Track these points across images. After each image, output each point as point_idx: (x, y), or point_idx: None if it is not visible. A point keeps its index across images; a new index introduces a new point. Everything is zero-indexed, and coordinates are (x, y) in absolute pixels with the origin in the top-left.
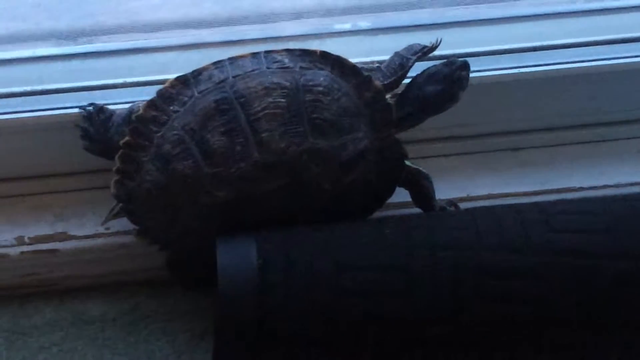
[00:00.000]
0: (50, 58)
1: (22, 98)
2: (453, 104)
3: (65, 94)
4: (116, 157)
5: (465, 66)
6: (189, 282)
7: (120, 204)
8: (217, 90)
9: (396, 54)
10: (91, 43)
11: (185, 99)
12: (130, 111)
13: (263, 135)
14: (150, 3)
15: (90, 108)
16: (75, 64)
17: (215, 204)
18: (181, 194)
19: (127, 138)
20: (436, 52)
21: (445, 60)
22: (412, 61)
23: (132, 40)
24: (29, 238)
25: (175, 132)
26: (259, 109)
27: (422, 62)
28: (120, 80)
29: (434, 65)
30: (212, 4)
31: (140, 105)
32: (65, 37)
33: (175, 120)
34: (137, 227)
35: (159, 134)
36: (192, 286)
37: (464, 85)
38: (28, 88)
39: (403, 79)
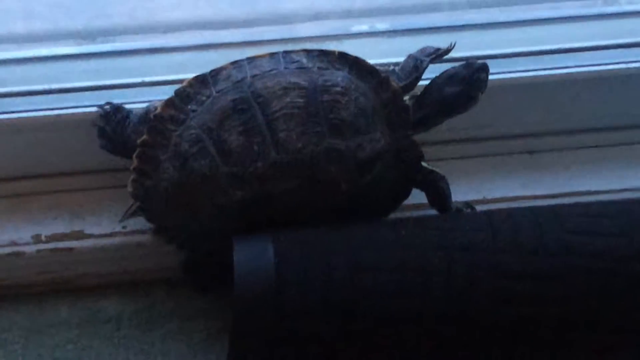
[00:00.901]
0: (69, 57)
1: (41, 96)
2: (472, 106)
3: (83, 92)
4: (134, 155)
5: (484, 68)
6: (203, 286)
7: (138, 203)
8: (235, 89)
9: (410, 56)
10: (109, 42)
11: (203, 98)
12: (147, 111)
13: (280, 135)
14: (167, 3)
15: (107, 107)
16: (93, 63)
17: (232, 203)
18: (198, 193)
19: (144, 137)
20: (453, 54)
21: (464, 62)
22: (425, 63)
23: (149, 40)
24: (45, 236)
25: (193, 131)
26: (276, 108)
27: (440, 64)
28: (138, 80)
29: (453, 67)
30: (229, 5)
31: (157, 104)
32: (84, 37)
33: (193, 119)
34: (153, 226)
35: (176, 133)
36: (207, 290)
37: (483, 88)
38: (46, 86)
39: (418, 82)
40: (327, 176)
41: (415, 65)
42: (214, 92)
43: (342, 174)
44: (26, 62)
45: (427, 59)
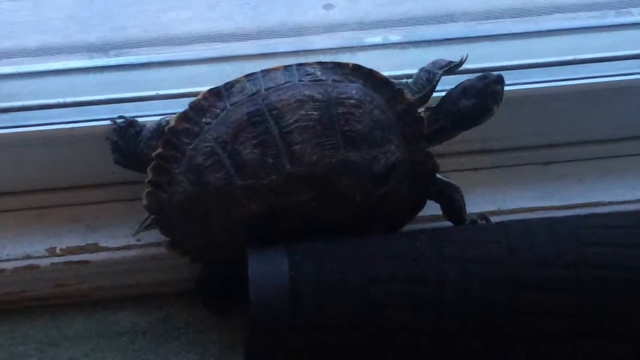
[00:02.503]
0: (82, 70)
1: (54, 110)
2: (487, 117)
3: (96, 106)
4: (148, 168)
5: (500, 80)
6: (217, 307)
7: (152, 216)
8: (250, 102)
9: (422, 69)
10: (122, 56)
11: (218, 111)
12: (159, 124)
13: (295, 147)
14: (180, 16)
15: (120, 121)
16: (106, 76)
17: (247, 216)
18: (213, 206)
19: (159, 150)
20: (467, 66)
21: (479, 74)
22: (438, 76)
23: (163, 53)
24: (60, 249)
25: (207, 144)
26: (291, 121)
27: (454, 76)
28: (151, 93)
29: (468, 80)
30: (243, 18)
31: (170, 118)
32: (97, 50)
33: (208, 132)
34: (168, 239)
35: (191, 146)
36: (221, 310)
37: (499, 100)
38: (60, 100)
39: (431, 94)
40: (342, 188)
41: (428, 78)
42: (228, 105)
43: (356, 186)
44: (40, 76)
45: (440, 72)
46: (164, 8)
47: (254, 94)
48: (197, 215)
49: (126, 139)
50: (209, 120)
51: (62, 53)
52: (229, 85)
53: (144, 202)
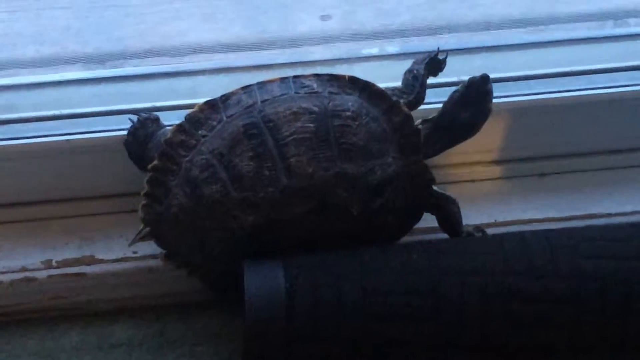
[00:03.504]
0: (79, 82)
1: (52, 122)
2: (487, 118)
3: (93, 117)
4: (144, 180)
5: (486, 79)
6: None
7: (148, 228)
8: (246, 114)
9: (406, 72)
10: (120, 67)
11: (214, 123)
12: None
13: (291, 160)
14: (178, 28)
15: (147, 115)
16: (103, 87)
17: (243, 229)
18: (209, 219)
19: (155, 162)
20: (463, 77)
21: (464, 82)
22: (422, 70)
23: (160, 65)
24: (56, 262)
25: (203, 156)
26: (287, 133)
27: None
28: (148, 105)
29: (456, 91)
30: (240, 29)
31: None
32: (94, 61)
33: (204, 144)
34: (164, 251)
35: (187, 158)
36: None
37: (491, 97)
38: (56, 112)
39: (423, 91)
40: (338, 201)
41: (414, 76)
42: (224, 117)
43: (353, 198)
44: (36, 88)
45: (422, 66)
46: (162, 19)
47: (250, 106)
48: (193, 227)
49: (145, 130)
50: (205, 132)
51: (59, 64)
52: (225, 98)
53: (140, 214)
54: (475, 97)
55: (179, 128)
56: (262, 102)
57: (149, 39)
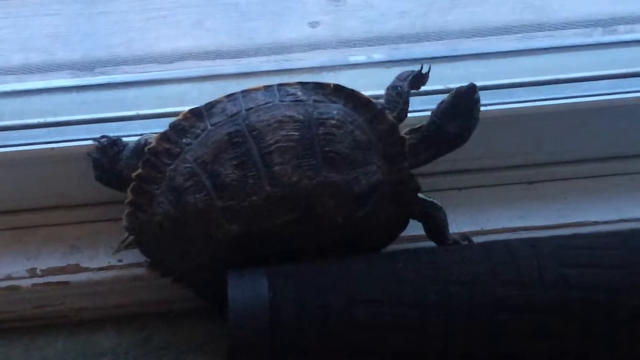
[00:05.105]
0: (65, 89)
1: (37, 129)
2: (474, 129)
3: (77, 126)
4: (128, 189)
5: (473, 88)
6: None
7: (132, 236)
8: (230, 123)
9: (388, 87)
10: (106, 74)
11: (198, 131)
12: (138, 144)
13: (275, 168)
14: (165, 35)
15: (104, 140)
16: (89, 95)
17: (227, 237)
18: (193, 227)
19: (139, 170)
20: (450, 85)
21: (451, 92)
22: (406, 86)
23: (146, 72)
24: (41, 270)
25: (187, 164)
26: (271, 142)
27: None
28: (133, 113)
29: (443, 101)
30: (227, 36)
31: (149, 137)
32: (81, 69)
33: (188, 152)
34: (149, 260)
35: (171, 167)
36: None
37: (479, 107)
38: (42, 120)
39: (407, 107)
40: (323, 210)
41: (398, 92)
42: (209, 126)
43: (338, 207)
44: (22, 95)
45: (406, 83)
46: (149, 26)
47: (234, 114)
48: (178, 236)
49: (107, 157)
50: (189, 140)
51: (45, 71)
52: (210, 106)
53: (124, 222)
54: (462, 107)
55: (163, 136)
56: (247, 110)
57: (136, 46)
